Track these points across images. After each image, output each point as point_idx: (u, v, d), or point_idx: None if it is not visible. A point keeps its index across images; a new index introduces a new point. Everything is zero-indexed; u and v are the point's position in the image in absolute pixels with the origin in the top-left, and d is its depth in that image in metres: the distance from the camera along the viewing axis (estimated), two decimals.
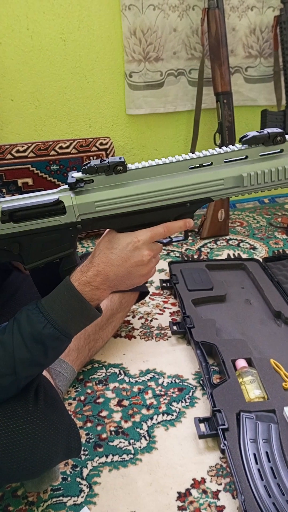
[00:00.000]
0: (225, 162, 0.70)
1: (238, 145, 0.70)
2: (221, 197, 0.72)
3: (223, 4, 1.73)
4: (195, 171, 0.70)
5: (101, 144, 1.80)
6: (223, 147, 0.71)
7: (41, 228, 0.70)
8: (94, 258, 0.71)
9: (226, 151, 0.70)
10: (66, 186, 0.71)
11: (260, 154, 0.70)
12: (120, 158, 0.69)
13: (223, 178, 0.70)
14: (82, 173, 0.69)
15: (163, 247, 1.78)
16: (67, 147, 1.76)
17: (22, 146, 1.71)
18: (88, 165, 0.68)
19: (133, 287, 0.74)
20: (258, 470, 0.85)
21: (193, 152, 1.86)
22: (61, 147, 1.75)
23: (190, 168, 0.70)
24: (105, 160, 0.69)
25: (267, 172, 0.69)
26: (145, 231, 0.70)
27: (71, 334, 0.71)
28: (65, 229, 0.71)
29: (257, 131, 0.69)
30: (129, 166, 0.70)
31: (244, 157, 0.70)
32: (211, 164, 0.70)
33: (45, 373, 0.88)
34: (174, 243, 1.82)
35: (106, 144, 1.81)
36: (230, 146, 0.71)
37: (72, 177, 0.70)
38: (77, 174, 0.70)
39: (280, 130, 0.68)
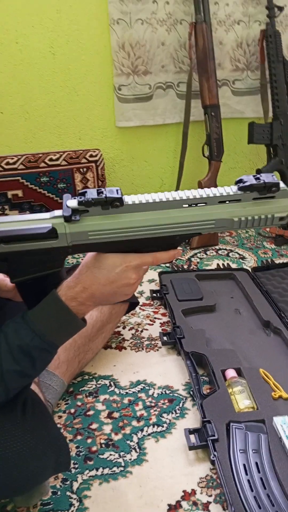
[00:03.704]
0: (219, 202, 0.71)
1: (234, 188, 0.72)
2: (209, 232, 0.74)
3: (210, 18, 1.76)
4: (189, 209, 0.71)
5: (91, 156, 1.81)
6: (219, 188, 0.72)
7: (31, 250, 0.70)
8: (81, 275, 0.72)
9: (222, 194, 0.71)
10: (60, 213, 0.70)
11: (253, 198, 0.71)
12: (117, 192, 0.69)
13: (215, 219, 0.72)
14: (78, 205, 0.68)
15: None
16: (57, 159, 1.77)
17: (12, 158, 1.72)
18: (85, 198, 0.68)
19: (114, 303, 0.75)
20: (248, 481, 0.85)
21: (182, 164, 1.90)
22: (51, 159, 1.76)
23: (185, 206, 0.71)
24: (103, 193, 0.68)
25: (256, 218, 0.72)
26: (134, 257, 0.71)
27: (58, 345, 0.72)
28: (55, 251, 0.71)
29: (253, 177, 0.70)
30: (125, 200, 0.70)
31: (237, 201, 0.71)
32: (205, 203, 0.71)
33: (33, 386, 0.88)
34: None
35: (96, 156, 1.82)
36: (226, 188, 0.71)
37: (67, 207, 0.69)
38: (73, 204, 0.69)
39: (276, 181, 0.70)
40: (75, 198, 0.69)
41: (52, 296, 0.70)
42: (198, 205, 0.71)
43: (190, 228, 0.72)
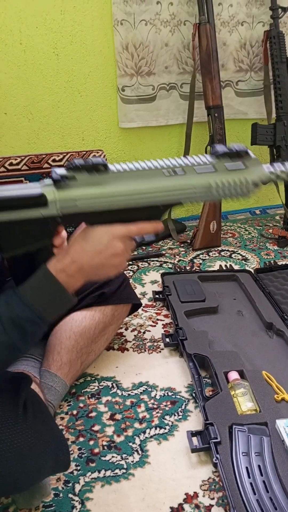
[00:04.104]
0: (197, 171, 0.77)
1: (209, 156, 0.78)
2: (190, 201, 0.79)
3: (214, 19, 1.76)
4: (169, 177, 0.76)
5: (94, 157, 1.81)
6: (195, 157, 0.77)
7: (22, 218, 0.73)
8: (70, 248, 0.74)
9: (198, 162, 0.77)
10: (50, 181, 0.74)
11: (227, 167, 0.77)
12: (102, 160, 0.73)
13: (194, 185, 0.77)
14: (67, 170, 0.73)
15: (153, 259, 1.79)
16: (60, 160, 1.77)
17: (16, 159, 1.72)
18: (72, 164, 0.72)
19: (105, 278, 0.78)
20: (251, 484, 0.85)
21: None
22: (54, 160, 1.76)
23: (166, 175, 0.76)
24: (89, 160, 0.73)
25: (232, 183, 0.77)
26: (120, 227, 0.75)
27: (48, 319, 0.73)
28: (45, 221, 0.74)
29: (225, 147, 0.77)
30: (111, 167, 0.74)
31: (213, 168, 0.77)
32: (184, 172, 0.76)
33: (33, 386, 0.88)
34: (167, 255, 1.83)
35: (99, 157, 1.82)
36: (201, 156, 0.77)
37: (56, 173, 0.73)
38: (61, 171, 0.73)
39: (245, 149, 0.77)
40: (63, 167, 0.74)
41: (41, 269, 0.73)
42: (178, 173, 0.76)
43: (172, 195, 0.77)
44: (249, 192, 0.78)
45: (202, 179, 0.76)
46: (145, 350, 1.28)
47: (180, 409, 1.07)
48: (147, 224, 0.77)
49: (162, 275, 1.59)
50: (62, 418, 1.06)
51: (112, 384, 1.16)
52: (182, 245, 1.93)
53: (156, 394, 1.12)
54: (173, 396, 1.11)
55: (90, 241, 0.74)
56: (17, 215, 0.72)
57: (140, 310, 1.44)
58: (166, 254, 1.84)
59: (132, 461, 0.95)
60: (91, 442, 1.00)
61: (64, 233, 0.79)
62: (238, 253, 1.84)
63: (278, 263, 1.71)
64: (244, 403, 1.02)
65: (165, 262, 1.78)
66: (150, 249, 1.89)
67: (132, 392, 1.13)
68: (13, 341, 0.70)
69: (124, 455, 0.96)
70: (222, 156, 0.76)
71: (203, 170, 0.76)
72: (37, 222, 0.73)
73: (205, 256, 1.83)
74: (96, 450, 0.98)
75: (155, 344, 1.30)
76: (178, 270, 1.68)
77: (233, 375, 1.10)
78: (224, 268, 1.67)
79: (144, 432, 1.02)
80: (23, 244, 0.75)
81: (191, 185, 0.76)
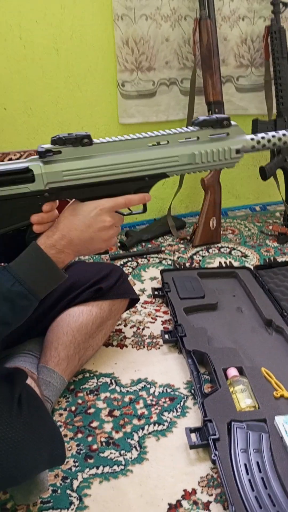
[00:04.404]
0: (180, 142, 0.78)
1: (191, 127, 0.79)
2: (175, 173, 0.80)
3: (215, 14, 1.75)
4: (153, 148, 0.77)
5: None
6: (178, 128, 0.79)
7: (11, 194, 0.74)
8: (59, 224, 0.76)
9: (181, 132, 0.78)
10: (36, 157, 0.75)
11: (210, 136, 0.78)
12: (86, 133, 0.75)
13: (178, 155, 0.78)
14: (52, 143, 0.74)
15: (153, 256, 1.78)
16: None
17: (15, 155, 1.71)
18: (57, 137, 0.74)
19: (95, 252, 0.80)
20: (249, 480, 0.85)
21: None
22: None
23: (149, 146, 0.78)
24: (73, 133, 0.75)
25: (215, 151, 0.78)
26: (108, 200, 0.76)
27: (39, 295, 0.74)
28: (33, 197, 0.75)
29: (207, 116, 0.78)
30: (95, 140, 0.76)
31: (196, 138, 0.78)
32: (168, 142, 0.78)
33: (29, 381, 0.88)
34: (167, 251, 1.82)
35: None
36: (184, 128, 0.79)
37: (42, 147, 0.74)
38: (47, 145, 0.75)
39: (226, 116, 0.78)
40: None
41: (31, 245, 0.74)
42: (162, 144, 0.77)
43: (156, 165, 0.78)
44: (232, 159, 0.79)
45: (186, 148, 0.77)
46: (144, 347, 1.27)
47: (178, 406, 1.07)
48: (134, 196, 0.78)
49: (162, 271, 1.59)
50: (61, 415, 1.06)
51: (110, 380, 1.16)
52: (181, 241, 1.92)
53: (155, 391, 1.12)
54: (172, 393, 1.11)
55: (79, 215, 0.75)
56: (5, 191, 0.73)
57: (139, 307, 1.44)
58: (166, 251, 1.83)
59: (131, 458, 0.95)
60: (90, 439, 0.99)
61: (55, 213, 0.79)
62: (238, 250, 1.84)
63: (277, 259, 1.70)
64: (243, 400, 1.02)
65: (165, 259, 1.77)
66: (150, 245, 1.88)
67: (130, 388, 1.13)
68: (2, 315, 0.71)
69: (122, 452, 0.96)
70: (204, 126, 0.77)
71: (186, 140, 0.78)
72: (25, 198, 0.74)
73: (204, 253, 1.82)
74: (95, 447, 0.98)
75: (154, 340, 1.30)
76: (178, 266, 1.68)
77: (232, 372, 1.10)
78: (224, 264, 1.67)
79: (143, 429, 1.01)
80: (13, 221, 0.76)
81: (174, 154, 0.77)
